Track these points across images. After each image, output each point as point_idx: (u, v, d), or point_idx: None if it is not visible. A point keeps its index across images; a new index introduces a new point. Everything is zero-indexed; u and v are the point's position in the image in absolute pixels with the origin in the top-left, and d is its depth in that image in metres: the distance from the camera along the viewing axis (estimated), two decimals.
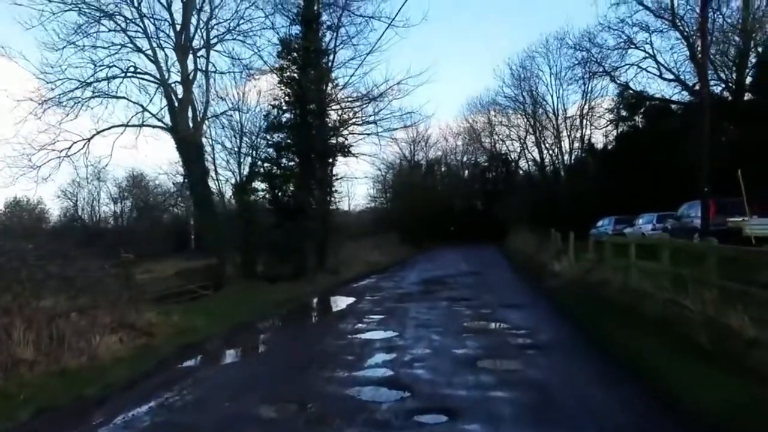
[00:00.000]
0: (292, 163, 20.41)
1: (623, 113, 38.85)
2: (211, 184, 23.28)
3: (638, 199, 29.01)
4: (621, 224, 29.04)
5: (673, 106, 33.81)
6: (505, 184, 54.41)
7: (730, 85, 29.92)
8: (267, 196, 20.35)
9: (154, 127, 19.87)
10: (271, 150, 20.27)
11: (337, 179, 24.94)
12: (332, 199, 24.49)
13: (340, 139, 23.25)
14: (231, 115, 20.48)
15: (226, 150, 22.23)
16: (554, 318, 11.18)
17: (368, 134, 25.31)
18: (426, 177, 57.06)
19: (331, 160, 24.03)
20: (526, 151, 54.11)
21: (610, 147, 40.74)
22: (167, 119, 19.53)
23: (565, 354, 7.96)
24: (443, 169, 62.59)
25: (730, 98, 29.43)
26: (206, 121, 20.23)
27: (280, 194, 20.06)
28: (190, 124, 19.45)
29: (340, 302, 15.44)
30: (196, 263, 21.42)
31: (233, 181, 20.76)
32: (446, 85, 79.27)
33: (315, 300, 16.46)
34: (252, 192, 20.01)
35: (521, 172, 56.79)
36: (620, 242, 14.72)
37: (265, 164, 20.23)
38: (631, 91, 35.66)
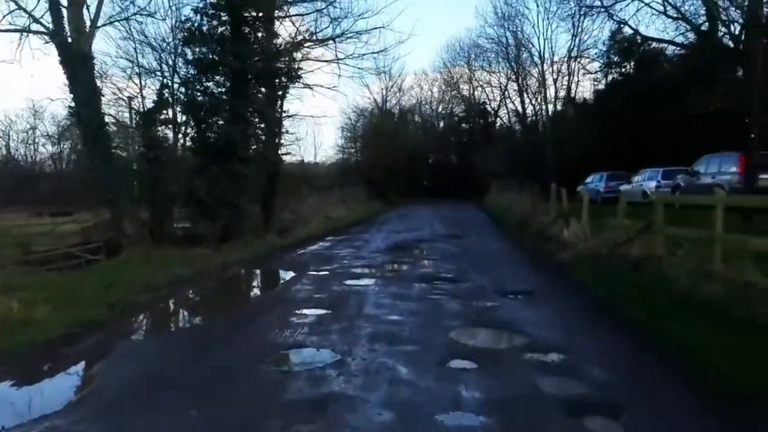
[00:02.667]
0: (222, 89, 15.40)
1: (615, 58, 34.72)
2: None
3: (629, 154, 26.56)
4: (614, 180, 26.85)
5: (669, 51, 29.86)
6: (483, 136, 50.17)
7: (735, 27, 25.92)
8: (189, 131, 15.44)
9: (36, 33, 14.74)
10: (192, 70, 15.23)
11: (288, 116, 20.14)
12: (282, 141, 19.69)
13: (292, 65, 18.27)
14: (141, 22, 15.37)
15: (146, 71, 17.37)
16: (593, 321, 6.99)
17: (327, 62, 20.45)
18: (398, 126, 52.26)
19: (280, 93, 19.19)
20: (507, 100, 49.74)
21: (598, 96, 36.61)
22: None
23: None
24: (417, 119, 57.93)
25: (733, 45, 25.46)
26: (104, 29, 15.11)
27: (205, 129, 15.10)
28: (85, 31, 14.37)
29: (271, 280, 11.17)
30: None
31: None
32: (423, 28, 73.49)
33: (236, 275, 11.75)
34: (165, 124, 15.04)
35: (500, 123, 52.65)
36: (685, 202, 10.56)
37: (185, 88, 15.22)
38: (629, 30, 31.41)
